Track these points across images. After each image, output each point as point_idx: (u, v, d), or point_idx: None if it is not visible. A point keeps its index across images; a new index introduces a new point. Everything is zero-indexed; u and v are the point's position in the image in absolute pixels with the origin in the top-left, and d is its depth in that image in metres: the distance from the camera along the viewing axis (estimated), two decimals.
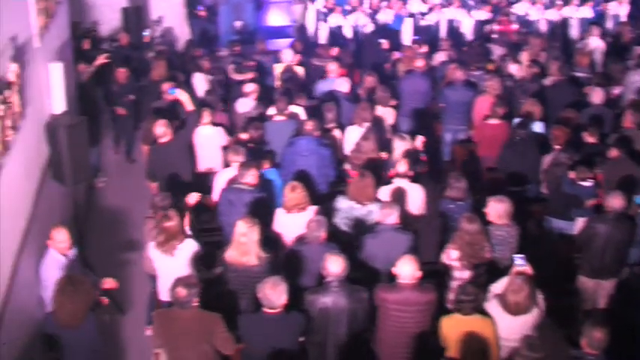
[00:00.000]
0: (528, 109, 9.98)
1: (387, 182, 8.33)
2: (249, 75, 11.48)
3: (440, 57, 12.95)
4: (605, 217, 7.45)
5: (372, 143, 8.91)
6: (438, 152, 10.99)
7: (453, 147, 10.77)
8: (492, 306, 6.16)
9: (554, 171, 8.81)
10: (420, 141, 9.27)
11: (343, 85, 10.74)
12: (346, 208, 7.79)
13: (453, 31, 15.90)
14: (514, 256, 6.42)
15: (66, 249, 6.82)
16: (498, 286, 6.35)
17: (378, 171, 8.52)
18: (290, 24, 17.45)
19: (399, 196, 7.99)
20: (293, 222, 7.49)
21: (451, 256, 6.97)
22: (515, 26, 15.60)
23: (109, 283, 7.05)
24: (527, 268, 6.27)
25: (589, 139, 9.15)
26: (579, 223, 7.95)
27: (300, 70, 11.90)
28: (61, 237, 6.78)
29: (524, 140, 9.24)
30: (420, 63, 11.56)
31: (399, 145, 8.83)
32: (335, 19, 15.95)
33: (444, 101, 10.93)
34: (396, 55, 13.33)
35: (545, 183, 9.03)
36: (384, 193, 8.08)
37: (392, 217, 7.13)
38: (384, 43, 14.00)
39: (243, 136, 9.44)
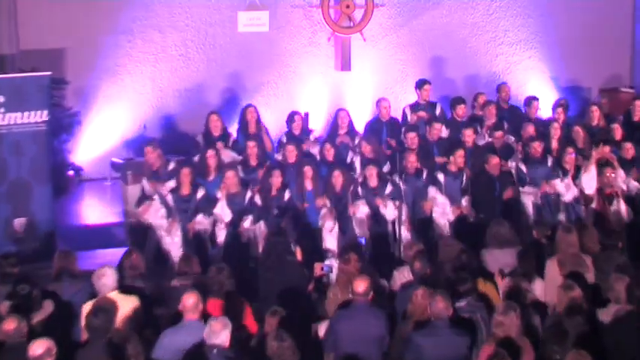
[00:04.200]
0: None
1: None
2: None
3: (402, 275, 8.42)
4: None
5: None
6: None
7: None
8: None
9: None
10: None
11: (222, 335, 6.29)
12: None
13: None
14: None
15: None
16: None
17: None
18: (121, 220, 11.62)
19: None
20: None
21: None
22: None
23: None
24: None
25: None
26: None
27: (127, 306, 6.95)
28: None
29: None
30: (360, 287, 7.41)
31: None
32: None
33: (414, 355, 7.13)
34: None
35: None
36: None
37: None
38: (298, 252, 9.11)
39: None
